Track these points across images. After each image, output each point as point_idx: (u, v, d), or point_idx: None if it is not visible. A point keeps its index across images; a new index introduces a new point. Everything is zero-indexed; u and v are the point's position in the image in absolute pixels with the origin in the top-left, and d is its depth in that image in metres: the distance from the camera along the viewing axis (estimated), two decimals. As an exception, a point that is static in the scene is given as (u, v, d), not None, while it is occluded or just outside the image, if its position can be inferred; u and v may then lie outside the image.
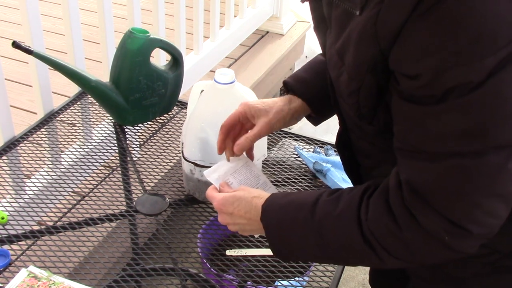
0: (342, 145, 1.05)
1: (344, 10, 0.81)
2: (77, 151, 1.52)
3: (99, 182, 1.43)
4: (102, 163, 1.47)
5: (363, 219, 0.85)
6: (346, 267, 1.26)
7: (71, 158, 1.49)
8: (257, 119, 1.08)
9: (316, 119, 1.17)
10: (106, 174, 1.48)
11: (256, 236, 1.15)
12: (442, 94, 0.72)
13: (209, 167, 1.22)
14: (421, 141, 0.78)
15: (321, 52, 1.19)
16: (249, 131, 1.08)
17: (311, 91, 1.12)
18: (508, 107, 0.72)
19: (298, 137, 1.57)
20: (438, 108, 0.73)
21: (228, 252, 1.21)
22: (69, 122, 1.62)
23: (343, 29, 0.83)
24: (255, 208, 0.96)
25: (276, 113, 1.08)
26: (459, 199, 0.78)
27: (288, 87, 1.14)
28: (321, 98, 1.11)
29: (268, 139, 1.42)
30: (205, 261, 1.44)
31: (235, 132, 1.10)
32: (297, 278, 1.17)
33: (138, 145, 1.53)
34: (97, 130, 1.60)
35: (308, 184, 1.42)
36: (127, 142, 1.51)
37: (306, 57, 3.57)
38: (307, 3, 0.96)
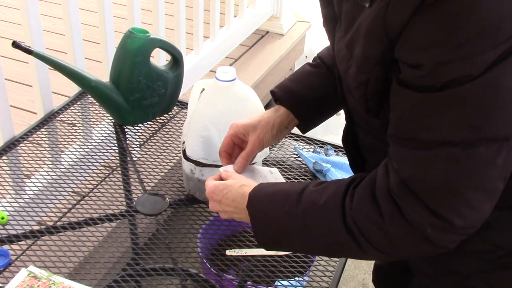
0: (349, 141, 1.05)
1: (354, 3, 0.82)
2: (77, 151, 1.52)
3: (99, 182, 1.43)
4: (102, 163, 1.47)
5: (347, 209, 0.86)
6: (346, 267, 1.26)
7: (71, 158, 1.49)
8: (248, 137, 1.12)
9: (303, 128, 1.20)
10: (106, 174, 1.48)
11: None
12: (441, 85, 0.73)
13: (212, 165, 1.23)
14: (414, 128, 0.78)
15: (320, 52, 1.21)
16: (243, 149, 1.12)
17: (297, 101, 1.15)
18: (502, 100, 0.73)
19: (298, 137, 1.57)
20: (434, 96, 0.74)
21: (228, 252, 1.21)
22: (69, 122, 1.62)
23: (353, 22, 0.83)
24: (242, 196, 0.98)
25: (263, 127, 1.12)
26: (445, 190, 0.78)
27: (275, 97, 1.18)
28: (307, 108, 1.16)
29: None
30: (205, 261, 1.44)
31: (235, 153, 1.13)
32: (297, 278, 1.17)
33: (138, 145, 1.53)
34: (97, 130, 1.60)
35: (308, 184, 1.41)
36: (127, 142, 1.51)
37: (306, 57, 3.57)
38: None
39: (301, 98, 1.16)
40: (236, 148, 1.13)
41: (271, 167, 1.22)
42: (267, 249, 1.01)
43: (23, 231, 1.23)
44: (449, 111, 0.74)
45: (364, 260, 1.09)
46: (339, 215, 0.86)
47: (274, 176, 1.17)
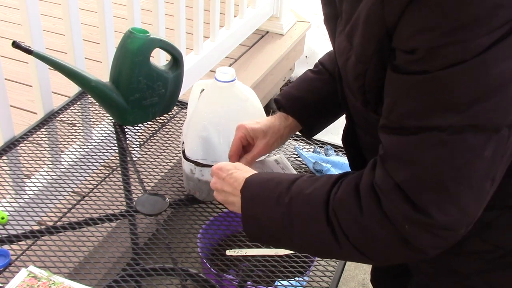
0: (349, 141, 1.05)
1: None
2: (77, 151, 1.52)
3: (99, 182, 1.43)
4: (102, 163, 1.47)
5: (331, 199, 0.85)
6: (346, 267, 1.26)
7: (71, 158, 1.49)
8: (256, 140, 1.13)
9: (307, 134, 1.23)
10: (106, 174, 1.48)
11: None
12: (433, 70, 0.73)
13: (211, 166, 1.23)
14: (404, 114, 0.78)
15: (321, 57, 1.22)
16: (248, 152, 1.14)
17: (299, 107, 1.17)
18: (492, 85, 0.72)
19: (298, 137, 1.57)
20: (425, 78, 0.74)
21: (228, 252, 1.21)
22: (69, 122, 1.62)
23: (353, 13, 0.84)
24: (242, 179, 0.98)
25: (274, 134, 1.14)
26: (429, 180, 0.77)
27: (278, 105, 1.18)
28: (310, 113, 1.17)
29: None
30: (205, 261, 1.44)
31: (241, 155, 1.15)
32: (297, 278, 1.17)
33: (138, 145, 1.53)
34: (97, 130, 1.60)
35: (308, 184, 1.41)
36: (127, 142, 1.51)
37: (306, 57, 3.57)
38: None
39: (303, 104, 1.17)
40: (243, 150, 1.15)
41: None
42: (252, 240, 1.00)
43: (23, 231, 1.23)
44: (439, 94, 0.74)
45: (341, 259, 1.08)
46: (322, 204, 0.86)
47: (280, 166, 1.19)
